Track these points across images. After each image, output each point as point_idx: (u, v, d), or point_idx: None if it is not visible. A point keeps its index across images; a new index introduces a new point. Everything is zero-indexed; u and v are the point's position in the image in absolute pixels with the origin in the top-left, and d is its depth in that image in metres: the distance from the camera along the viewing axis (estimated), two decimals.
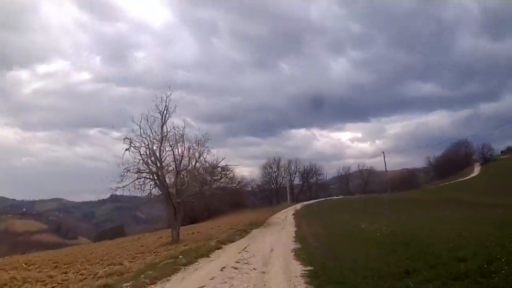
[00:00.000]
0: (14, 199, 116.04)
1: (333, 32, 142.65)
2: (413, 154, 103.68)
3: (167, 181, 19.16)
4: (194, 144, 20.04)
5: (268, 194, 68.65)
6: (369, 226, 15.87)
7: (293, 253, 10.91)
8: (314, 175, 72.61)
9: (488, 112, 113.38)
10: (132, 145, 17.87)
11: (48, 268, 13.78)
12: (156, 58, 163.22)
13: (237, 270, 8.64)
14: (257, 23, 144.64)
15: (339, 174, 79.85)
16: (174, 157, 19.20)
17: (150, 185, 18.59)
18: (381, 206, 31.45)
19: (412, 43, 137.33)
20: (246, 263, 9.55)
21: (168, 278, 8.28)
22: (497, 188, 35.08)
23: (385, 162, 45.03)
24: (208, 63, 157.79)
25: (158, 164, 18.55)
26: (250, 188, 62.80)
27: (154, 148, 18.53)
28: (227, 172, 48.64)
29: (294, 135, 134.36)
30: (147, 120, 18.23)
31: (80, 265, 13.96)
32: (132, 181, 17.89)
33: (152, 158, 18.37)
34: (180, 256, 11.04)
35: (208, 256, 11.38)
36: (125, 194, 18.50)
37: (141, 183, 18.25)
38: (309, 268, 8.35)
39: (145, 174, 18.36)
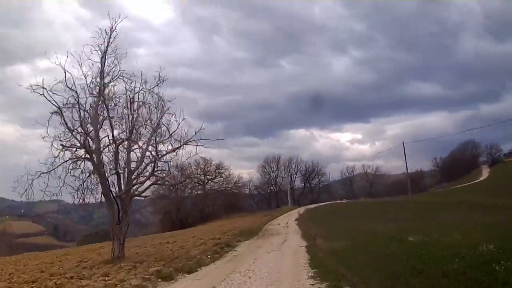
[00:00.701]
0: (13, 200, 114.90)
1: (336, 31, 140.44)
2: (415, 156, 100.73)
3: (106, 160, 13.59)
4: (153, 107, 14.68)
5: (267, 197, 65.16)
6: (421, 239, 9.70)
7: None
8: (316, 176, 67.81)
9: (488, 113, 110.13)
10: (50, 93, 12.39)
11: None
12: (156, 55, 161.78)
13: None
14: (259, 22, 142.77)
15: (343, 176, 75.48)
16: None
17: (83, 171, 13.04)
18: (405, 211, 22.99)
19: (414, 43, 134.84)
20: None
21: None
22: (510, 190, 32.55)
23: (405, 154, 37.52)
24: (208, 61, 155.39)
25: (91, 131, 12.91)
26: (247, 190, 60.29)
27: (87, 107, 13.12)
28: (222, 171, 46.48)
29: (293, 135, 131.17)
30: (80, 65, 12.86)
31: None
32: (58, 165, 12.47)
33: (83, 121, 12.93)
34: None
35: None
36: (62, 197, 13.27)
37: (70, 167, 12.84)
38: None
39: (73, 149, 12.99)
